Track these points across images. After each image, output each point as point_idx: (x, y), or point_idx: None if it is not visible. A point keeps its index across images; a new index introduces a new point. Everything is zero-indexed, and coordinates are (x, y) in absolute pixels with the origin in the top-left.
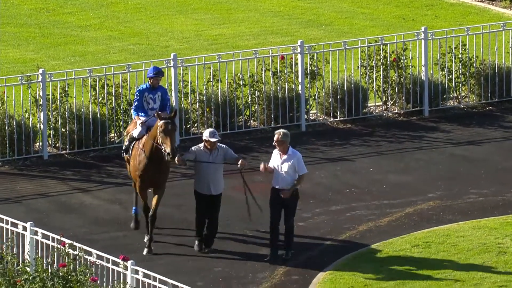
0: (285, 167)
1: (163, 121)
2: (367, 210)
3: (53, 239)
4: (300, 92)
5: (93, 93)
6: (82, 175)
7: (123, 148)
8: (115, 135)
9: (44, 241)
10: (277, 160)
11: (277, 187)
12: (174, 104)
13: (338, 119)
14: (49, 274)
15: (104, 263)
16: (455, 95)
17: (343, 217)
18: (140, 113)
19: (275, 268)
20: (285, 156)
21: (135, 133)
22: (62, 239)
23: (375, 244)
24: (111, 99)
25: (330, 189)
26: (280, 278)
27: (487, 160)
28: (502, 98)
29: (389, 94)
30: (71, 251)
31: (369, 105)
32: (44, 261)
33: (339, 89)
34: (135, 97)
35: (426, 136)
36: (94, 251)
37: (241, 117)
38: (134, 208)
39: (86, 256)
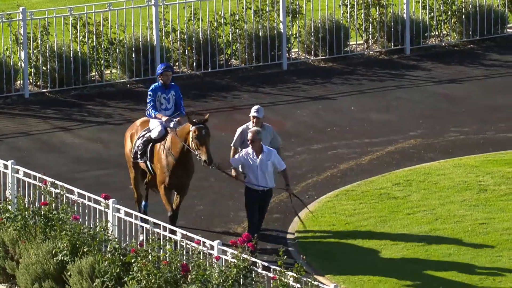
0: (265, 166)
1: (196, 126)
2: (349, 148)
3: (34, 178)
4: (282, 30)
5: (74, 32)
6: (64, 113)
7: (135, 152)
8: (96, 73)
9: (26, 179)
10: (251, 161)
11: (260, 188)
12: (155, 43)
13: (320, 57)
14: (30, 213)
15: (86, 202)
16: (437, 33)
17: (324, 155)
18: (154, 112)
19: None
20: (261, 155)
21: (154, 133)
22: (44, 177)
23: (356, 182)
24: (92, 37)
25: (311, 127)
26: None
27: (468, 98)
28: (484, 36)
29: (370, 33)
30: (52, 189)
31: (350, 43)
32: (26, 200)
33: (320, 28)
34: (149, 97)
35: (408, 75)
36: (76, 190)
37: (222, 56)
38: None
39: (67, 195)
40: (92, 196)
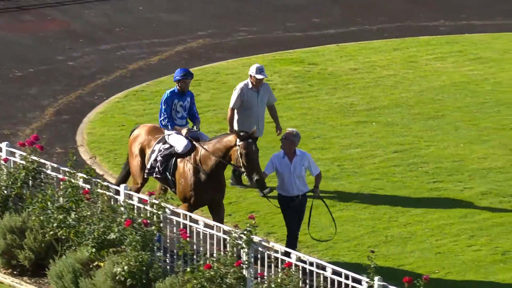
0: (299, 171)
1: (244, 142)
2: (138, 49)
3: None
4: None
5: None
6: None
7: (151, 167)
8: None
9: None
10: (284, 166)
11: (295, 194)
12: None
13: None
14: None
15: None
16: None
17: (113, 56)
18: (171, 124)
19: (45, 108)
20: (295, 159)
21: (180, 148)
22: None
23: (146, 82)
24: None
25: (100, 28)
26: (51, 117)
27: None
28: None
29: None
30: None
31: None
32: None
33: None
34: (163, 106)
35: None
36: None
37: None
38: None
39: None
40: None
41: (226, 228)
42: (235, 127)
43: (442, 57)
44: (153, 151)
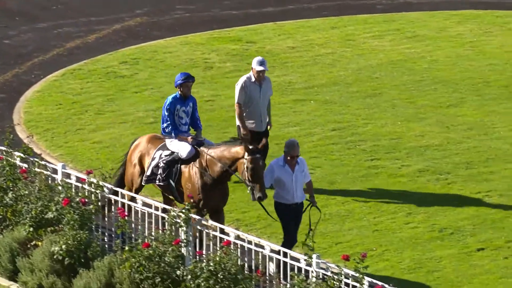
0: (300, 179)
1: (252, 156)
2: (75, 27)
3: None
4: None
5: None
6: None
7: (152, 173)
8: None
9: None
10: (286, 176)
11: (295, 202)
12: None
13: None
14: None
15: None
16: None
17: (50, 34)
18: (175, 131)
19: None
20: (297, 166)
21: (184, 153)
22: None
23: (83, 61)
24: None
25: (36, 6)
26: None
27: None
28: None
29: None
30: None
31: None
32: None
33: None
34: (165, 112)
35: None
36: None
37: None
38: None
39: None
40: None
41: (165, 206)
42: (237, 122)
43: (379, 35)
44: (153, 159)
